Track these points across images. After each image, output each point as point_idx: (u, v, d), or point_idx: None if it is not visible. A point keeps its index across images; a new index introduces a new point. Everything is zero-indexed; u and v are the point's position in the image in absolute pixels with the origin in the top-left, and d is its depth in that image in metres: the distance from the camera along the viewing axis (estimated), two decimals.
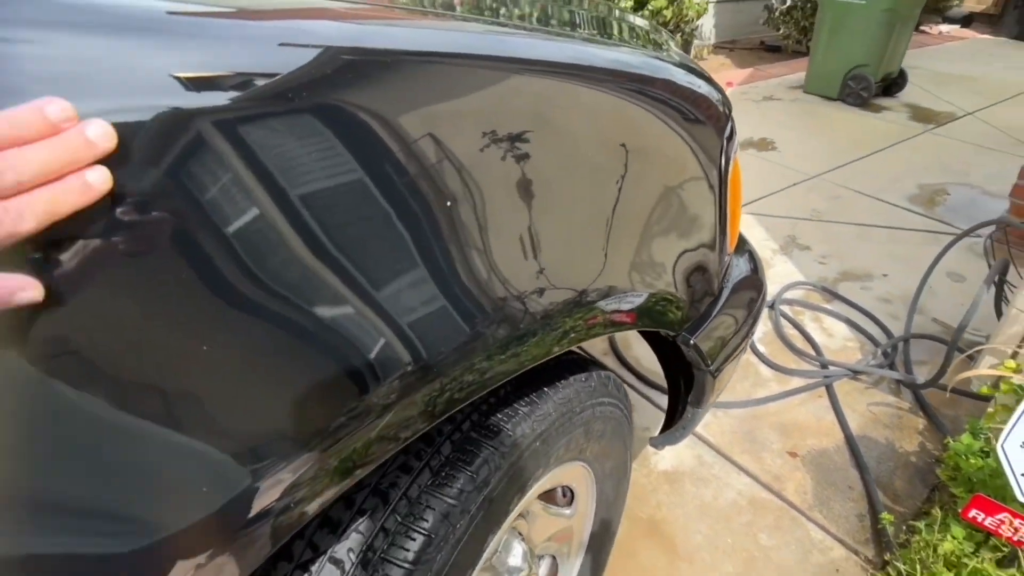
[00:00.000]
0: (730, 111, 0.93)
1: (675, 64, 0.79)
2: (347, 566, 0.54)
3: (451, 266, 0.51)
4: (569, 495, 0.94)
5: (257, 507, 0.42)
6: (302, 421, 0.43)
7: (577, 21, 0.86)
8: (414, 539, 0.55)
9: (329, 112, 0.40)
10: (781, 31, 5.91)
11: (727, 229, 0.97)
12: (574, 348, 0.90)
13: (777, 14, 5.87)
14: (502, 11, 0.75)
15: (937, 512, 1.25)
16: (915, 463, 1.53)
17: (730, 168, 0.93)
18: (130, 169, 0.32)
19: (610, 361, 1.89)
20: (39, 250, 0.30)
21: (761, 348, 1.95)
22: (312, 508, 0.47)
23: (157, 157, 0.33)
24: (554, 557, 0.98)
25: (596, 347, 1.90)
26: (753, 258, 1.19)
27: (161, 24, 0.34)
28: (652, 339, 1.09)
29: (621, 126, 0.68)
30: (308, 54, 0.39)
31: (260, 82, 0.36)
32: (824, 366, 1.86)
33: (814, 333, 2.01)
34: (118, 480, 0.36)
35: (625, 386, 0.96)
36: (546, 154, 0.58)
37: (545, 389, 0.73)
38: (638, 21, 1.07)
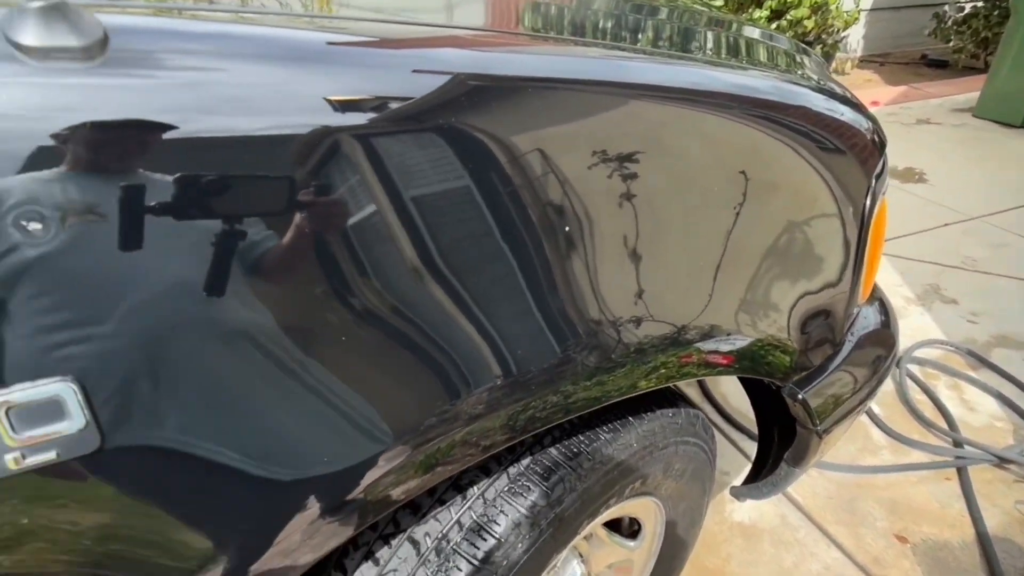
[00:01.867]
0: (883, 144, 0.89)
1: (814, 89, 0.78)
2: (422, 548, 0.62)
3: (551, 289, 0.56)
4: (636, 527, 0.98)
5: (357, 484, 0.51)
6: (402, 416, 0.51)
7: (705, 43, 0.87)
8: (485, 540, 0.62)
9: (454, 134, 0.47)
10: (952, 43, 5.37)
11: (861, 276, 0.93)
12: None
13: (949, 23, 5.34)
14: (624, 36, 0.79)
15: None
16: None
17: (876, 208, 0.89)
18: (287, 176, 0.41)
19: (693, 393, 1.87)
20: (213, 245, 0.39)
21: (877, 409, 1.84)
22: (397, 495, 0.54)
23: (307, 166, 0.42)
24: None
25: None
26: (885, 309, 1.13)
27: (321, 54, 0.44)
28: (749, 383, 1.09)
29: (744, 156, 0.68)
30: (438, 80, 0.46)
31: (394, 105, 0.44)
32: (959, 444, 1.71)
33: (950, 403, 1.86)
34: (279, 438, 0.46)
35: (714, 438, 0.96)
36: (658, 182, 0.61)
37: (630, 419, 0.77)
38: (780, 42, 1.06)
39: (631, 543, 0.96)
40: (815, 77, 0.86)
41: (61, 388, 0.36)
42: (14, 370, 0.35)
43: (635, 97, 0.58)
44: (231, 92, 0.39)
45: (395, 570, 0.62)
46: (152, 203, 0.37)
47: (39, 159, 0.34)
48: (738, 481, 1.12)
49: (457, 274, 0.50)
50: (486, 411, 0.55)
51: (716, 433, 1.69)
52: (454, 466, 0.57)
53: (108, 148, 0.36)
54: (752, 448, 1.15)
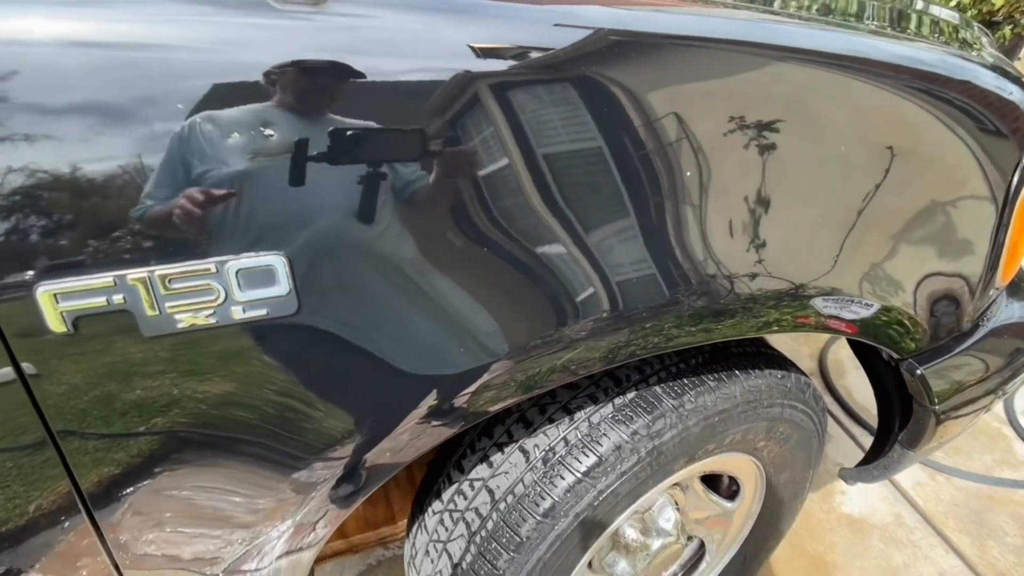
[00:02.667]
0: None
1: (984, 65, 0.73)
2: (531, 457, 0.69)
3: (666, 234, 0.59)
4: (733, 491, 0.98)
5: (464, 391, 0.57)
6: (512, 334, 0.56)
7: (868, 13, 0.83)
8: (588, 456, 0.68)
9: (591, 84, 0.50)
10: None
11: (1000, 260, 0.88)
12: (776, 348, 0.92)
13: None
14: (778, 0, 0.78)
15: None
16: None
17: (1023, 191, 0.84)
18: (430, 114, 0.46)
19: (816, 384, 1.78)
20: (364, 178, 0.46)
21: None
22: (493, 408, 0.60)
23: (449, 107, 0.47)
24: (703, 543, 1.04)
25: (802, 366, 1.80)
26: None
27: (465, 5, 0.48)
28: (869, 364, 1.05)
29: (891, 125, 0.67)
30: (579, 33, 0.50)
31: (534, 54, 0.48)
32: None
33: None
34: (414, 338, 0.54)
35: (826, 414, 0.95)
36: (795, 142, 0.61)
37: (736, 372, 0.78)
38: (945, 14, 0.99)
39: (727, 503, 0.97)
40: (988, 55, 0.80)
41: (275, 260, 0.46)
42: (245, 242, 0.46)
43: (781, 60, 0.58)
44: (375, 35, 0.45)
45: (506, 472, 0.70)
46: (338, 129, 0.45)
47: (270, 82, 0.43)
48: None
49: (581, 213, 0.54)
50: (588, 338, 0.59)
51: (835, 425, 1.63)
52: (547, 388, 0.62)
53: (316, 79, 0.44)
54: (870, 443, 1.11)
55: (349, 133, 0.45)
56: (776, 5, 0.76)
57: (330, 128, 0.45)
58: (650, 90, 0.54)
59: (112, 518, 0.53)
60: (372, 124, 0.46)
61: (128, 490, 0.53)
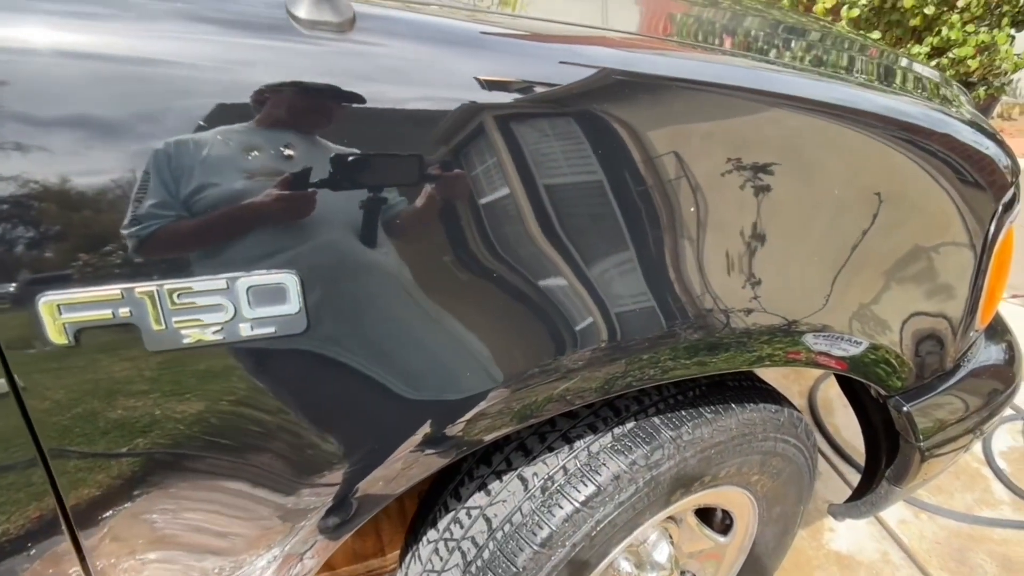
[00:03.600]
0: (1016, 177, 0.85)
1: (962, 121, 0.76)
2: (530, 485, 0.67)
3: (664, 268, 0.59)
4: (726, 525, 0.96)
5: (460, 418, 0.56)
6: (509, 361, 0.55)
7: (857, 67, 0.87)
8: (587, 485, 0.66)
9: (594, 120, 0.51)
10: None
11: (979, 303, 0.90)
12: (769, 383, 0.92)
13: None
14: (774, 51, 0.80)
15: None
16: None
17: (999, 238, 0.86)
18: (437, 140, 0.46)
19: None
20: (367, 201, 0.45)
21: (1002, 464, 1.65)
22: (487, 437, 0.58)
23: (455, 135, 0.47)
24: None
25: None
26: (1011, 349, 1.07)
27: (474, 40, 0.49)
28: (857, 401, 1.05)
29: (879, 173, 0.68)
30: (583, 71, 0.50)
31: (539, 89, 0.49)
32: None
33: None
34: (411, 365, 0.52)
35: (816, 450, 0.94)
36: (788, 185, 0.62)
37: (733, 405, 0.77)
38: (927, 72, 1.03)
39: (720, 538, 0.95)
40: (966, 112, 0.84)
41: (287, 278, 0.45)
42: (257, 259, 0.44)
43: (776, 106, 0.59)
44: (386, 63, 0.45)
45: (504, 500, 0.68)
46: (353, 154, 0.44)
47: (293, 104, 0.42)
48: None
49: (581, 245, 0.54)
50: (585, 368, 0.58)
51: (824, 463, 1.62)
52: (543, 418, 0.61)
53: (339, 103, 0.44)
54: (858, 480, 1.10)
55: (364, 159, 0.45)
56: (771, 55, 0.79)
57: (346, 152, 0.44)
58: (650, 128, 0.54)
59: (97, 542, 0.50)
60: (386, 151, 0.46)
61: (115, 512, 0.50)
